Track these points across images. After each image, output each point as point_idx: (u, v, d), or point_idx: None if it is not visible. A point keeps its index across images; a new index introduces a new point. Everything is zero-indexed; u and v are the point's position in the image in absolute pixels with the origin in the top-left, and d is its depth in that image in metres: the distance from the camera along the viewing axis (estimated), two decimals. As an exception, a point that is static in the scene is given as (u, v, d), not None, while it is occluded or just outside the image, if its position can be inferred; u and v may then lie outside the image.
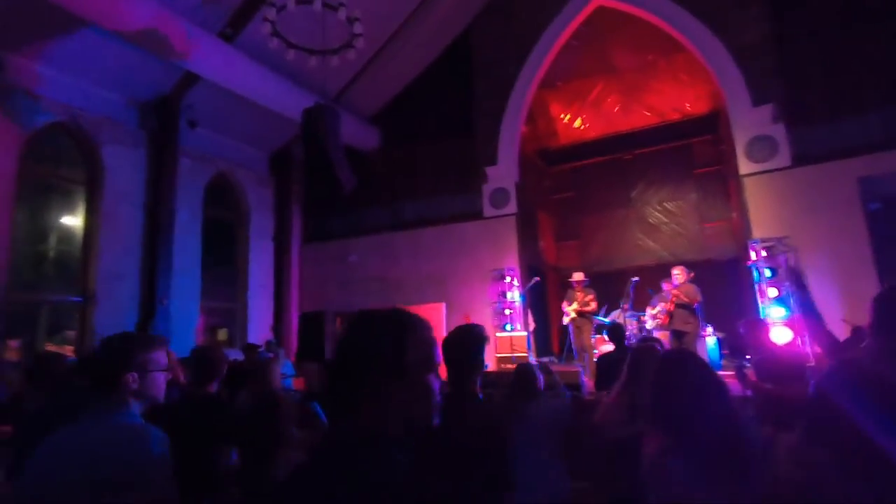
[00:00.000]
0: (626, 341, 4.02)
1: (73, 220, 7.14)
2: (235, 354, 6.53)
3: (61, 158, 7.00)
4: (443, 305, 7.73)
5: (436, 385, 0.88)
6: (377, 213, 9.61)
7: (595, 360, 4.04)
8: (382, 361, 0.83)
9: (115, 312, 6.89)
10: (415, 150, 9.58)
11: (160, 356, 1.44)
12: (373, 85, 9.45)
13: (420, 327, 0.91)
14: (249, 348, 6.22)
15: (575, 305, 7.20)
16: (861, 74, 6.44)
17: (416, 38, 9.00)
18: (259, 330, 9.01)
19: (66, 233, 7.12)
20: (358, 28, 6.12)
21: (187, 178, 8.13)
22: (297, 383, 7.78)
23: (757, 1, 7.10)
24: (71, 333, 6.88)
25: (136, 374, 1.37)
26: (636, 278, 7.05)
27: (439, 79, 9.49)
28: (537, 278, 7.92)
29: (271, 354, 6.31)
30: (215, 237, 8.75)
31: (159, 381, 1.40)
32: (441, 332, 7.91)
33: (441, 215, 9.04)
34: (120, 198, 7.26)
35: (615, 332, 3.82)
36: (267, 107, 8.18)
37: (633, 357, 2.15)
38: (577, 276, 7.33)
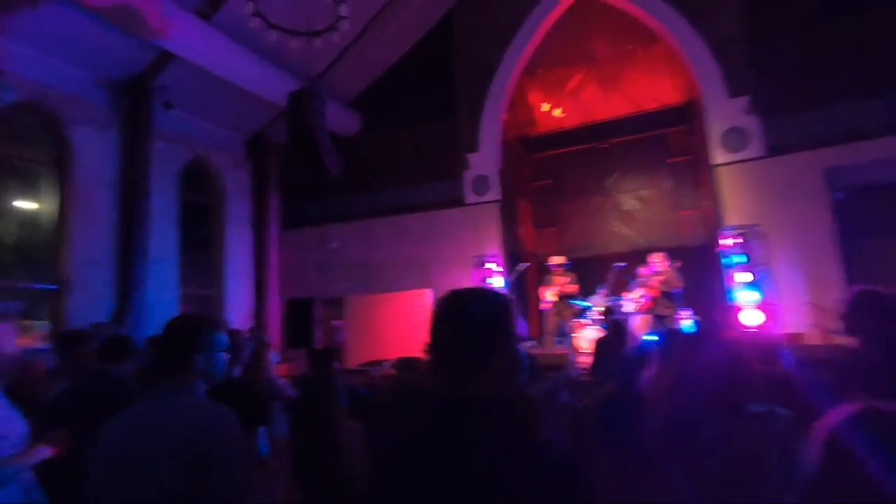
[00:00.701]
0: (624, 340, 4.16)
1: (41, 204, 6.84)
2: None
3: (28, 139, 6.67)
4: (428, 292, 7.78)
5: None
6: (358, 198, 9.54)
7: (594, 342, 4.18)
8: (499, 338, 0.91)
9: (89, 300, 6.68)
10: (396, 135, 9.53)
11: (222, 336, 1.48)
12: (354, 68, 9.31)
13: (513, 306, 0.97)
14: (232, 334, 6.13)
15: (556, 289, 7.38)
16: (829, 69, 6.74)
17: (397, 20, 8.90)
18: (237, 317, 8.87)
19: (33, 217, 6.82)
20: (344, 10, 6.02)
21: (162, 162, 7.87)
22: (281, 370, 7.75)
23: (733, -6, 7.31)
24: (38, 322, 6.63)
25: (203, 355, 1.41)
26: (622, 264, 7.27)
27: (421, 63, 9.42)
28: (526, 264, 8.07)
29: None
30: (192, 222, 8.53)
31: (222, 361, 1.44)
32: (427, 317, 8.02)
33: (423, 201, 9.05)
34: (92, 181, 6.99)
35: (617, 329, 3.94)
36: (245, 88, 7.98)
37: (667, 341, 2.28)
38: (557, 260, 7.49)
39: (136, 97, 7.45)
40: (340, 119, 9.35)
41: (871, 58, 6.24)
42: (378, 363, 6.66)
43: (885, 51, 5.24)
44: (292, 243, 9.88)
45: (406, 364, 5.83)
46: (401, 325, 7.71)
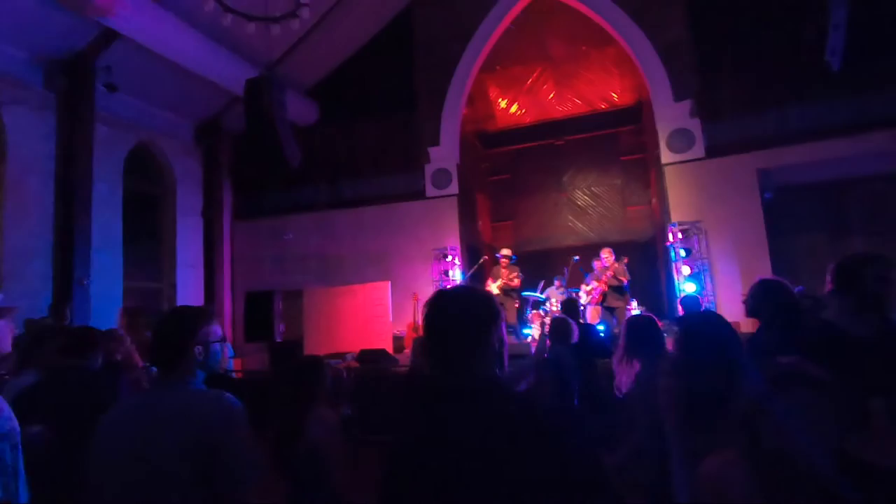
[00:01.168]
0: (579, 316, 4.40)
1: (-32, 191, 6.31)
2: None
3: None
4: (388, 284, 7.81)
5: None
6: (316, 190, 9.39)
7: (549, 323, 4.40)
8: (486, 330, 1.04)
9: (25, 294, 6.24)
10: (356, 126, 9.43)
11: (217, 328, 1.50)
12: (311, 57, 9.11)
13: (497, 301, 1.09)
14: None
15: (500, 282, 7.59)
16: (762, 76, 7.29)
17: (357, 10, 8.78)
18: (189, 311, 8.55)
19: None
20: (306, -3, 5.91)
21: (105, 147, 7.43)
22: (237, 363, 7.57)
23: (680, 2, 7.73)
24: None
25: (201, 346, 1.44)
26: (577, 257, 7.58)
27: (380, 55, 9.35)
28: (485, 257, 8.23)
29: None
30: (138, 212, 8.13)
31: (217, 351, 1.47)
32: (387, 310, 7.97)
33: (383, 194, 9.04)
34: (26, 167, 6.51)
35: (570, 306, 4.17)
36: (196, 72, 7.66)
37: (630, 328, 2.49)
38: (505, 252, 7.70)
39: (76, 77, 6.98)
40: (297, 108, 9.13)
41: (800, 68, 6.81)
42: (339, 355, 6.65)
43: (812, 62, 5.73)
44: (246, 234, 9.60)
45: (370, 356, 5.88)
46: (361, 317, 7.71)
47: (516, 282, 7.50)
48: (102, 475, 1.32)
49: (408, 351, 7.23)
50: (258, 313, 6.66)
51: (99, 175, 7.21)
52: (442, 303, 1.07)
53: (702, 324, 1.82)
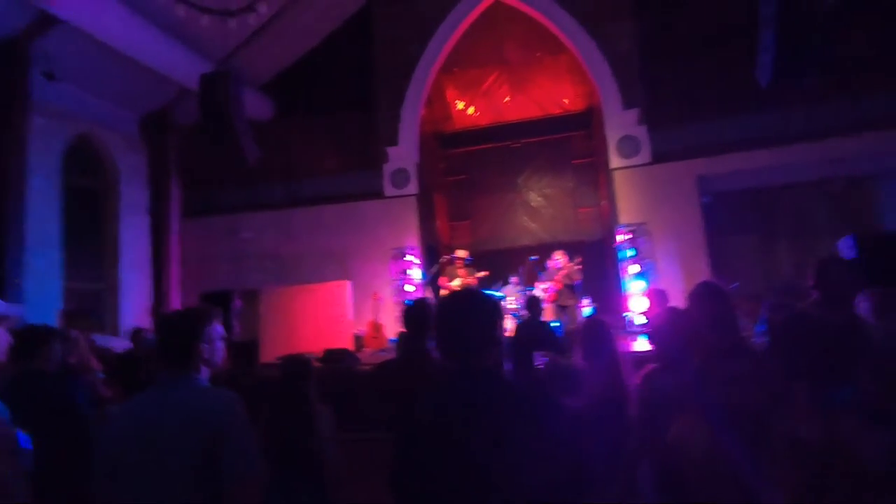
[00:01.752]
0: (541, 314, 4.62)
1: None
2: (107, 342, 5.94)
3: None
4: (347, 283, 7.79)
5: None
6: (272, 187, 9.20)
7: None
8: (494, 326, 1.22)
9: (-50, 296, 5.79)
10: (313, 123, 9.32)
11: (220, 327, 1.55)
12: (267, 52, 8.90)
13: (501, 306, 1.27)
14: (137, 333, 5.70)
15: (458, 282, 7.76)
16: (702, 90, 7.84)
17: (315, 6, 8.67)
18: (133, 313, 8.17)
19: None
20: (264, -8, 5.82)
21: (41, 139, 6.97)
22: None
23: (629, 15, 8.17)
24: None
25: (206, 345, 1.51)
26: (535, 257, 7.86)
27: (339, 52, 9.27)
28: (446, 256, 8.37)
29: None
30: (78, 209, 7.67)
31: (221, 349, 1.53)
32: (347, 309, 7.95)
33: (342, 193, 8.99)
34: (-49, 158, 6.02)
35: (533, 303, 4.37)
36: (143, 63, 7.31)
37: (587, 329, 2.68)
38: (461, 253, 7.89)
39: (9, 64, 6.52)
40: (251, 103, 8.84)
41: (735, 84, 7.37)
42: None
43: (745, 79, 6.22)
44: (197, 233, 9.26)
45: (334, 356, 5.87)
46: (319, 317, 7.65)
47: (474, 282, 7.69)
48: (113, 465, 1.38)
49: (368, 350, 7.26)
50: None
51: (34, 168, 6.76)
52: (456, 303, 1.23)
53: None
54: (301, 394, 2.24)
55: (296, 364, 2.45)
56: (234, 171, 8.53)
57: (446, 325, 1.22)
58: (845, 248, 5.02)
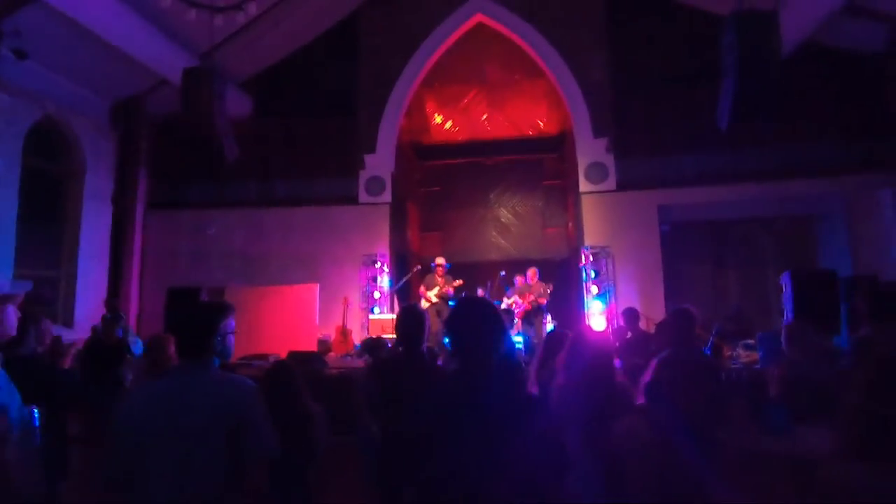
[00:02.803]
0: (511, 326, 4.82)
1: None
2: (60, 332, 5.75)
3: None
4: (316, 286, 7.79)
5: None
6: (245, 186, 9.11)
7: None
8: (503, 328, 1.41)
9: None
10: (291, 125, 9.31)
11: (232, 321, 1.65)
12: (249, 49, 8.85)
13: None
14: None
15: (436, 290, 7.92)
16: (666, 126, 8.36)
17: (303, 9, 8.73)
18: (90, 305, 7.89)
19: None
20: (255, -7, 5.87)
21: (3, 118, 6.72)
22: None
23: (605, 49, 8.63)
24: None
25: (219, 338, 1.60)
26: (503, 272, 8.11)
27: (323, 56, 9.35)
28: (418, 266, 8.48)
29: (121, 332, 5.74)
30: (38, 193, 7.38)
31: (232, 341, 1.63)
32: (314, 312, 7.94)
33: (316, 196, 9.00)
34: None
35: (505, 316, 4.58)
36: (119, 48, 7.16)
37: (549, 340, 2.87)
38: (440, 261, 8.05)
39: (-23, 38, 6.27)
40: (229, 99, 8.80)
41: (696, 124, 7.88)
42: (262, 356, 6.54)
43: (705, 120, 6.69)
44: (163, 225, 9.05)
45: (299, 357, 5.88)
46: (286, 318, 7.60)
47: (451, 291, 7.84)
48: (136, 447, 1.47)
49: (333, 354, 7.27)
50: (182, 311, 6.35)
51: (-6, 147, 6.51)
52: (469, 308, 1.46)
53: None
54: (293, 393, 2.33)
55: (284, 367, 2.52)
56: (205, 165, 8.43)
57: (463, 326, 1.39)
58: (784, 282, 5.49)
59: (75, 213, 7.90)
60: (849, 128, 7.75)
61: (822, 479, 1.04)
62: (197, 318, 1.64)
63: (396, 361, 2.48)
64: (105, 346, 4.52)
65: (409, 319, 2.39)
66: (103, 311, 7.86)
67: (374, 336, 7.15)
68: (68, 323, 7.56)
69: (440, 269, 8.00)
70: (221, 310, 1.68)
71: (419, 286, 8.29)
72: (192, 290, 6.07)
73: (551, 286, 7.54)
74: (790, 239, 8.87)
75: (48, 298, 7.45)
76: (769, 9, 6.14)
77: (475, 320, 1.37)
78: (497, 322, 1.39)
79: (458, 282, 7.91)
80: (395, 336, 2.60)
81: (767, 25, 4.81)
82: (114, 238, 8.53)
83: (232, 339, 1.69)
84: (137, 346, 6.06)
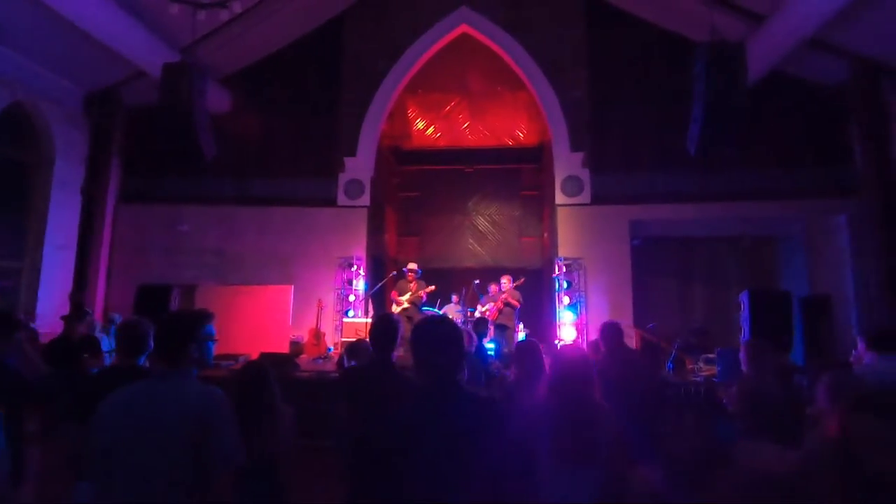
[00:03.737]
0: (486, 335, 4.91)
1: None
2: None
3: None
4: (291, 288, 7.75)
5: None
6: (221, 182, 8.99)
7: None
8: (462, 347, 1.45)
9: None
10: (270, 123, 9.24)
11: (212, 328, 1.67)
12: (231, 45, 8.76)
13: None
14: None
15: (408, 296, 7.98)
16: (640, 145, 8.62)
17: (288, 9, 8.70)
18: (54, 297, 7.66)
19: None
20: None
21: (-30, 102, 6.51)
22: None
23: (585, 67, 8.86)
24: None
25: (196, 345, 1.61)
26: (478, 281, 8.22)
27: (306, 57, 9.32)
28: (393, 273, 8.51)
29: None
30: (3, 181, 7.15)
31: (211, 349, 1.65)
32: (287, 313, 7.89)
33: (294, 197, 8.95)
34: None
35: (479, 325, 4.66)
36: (96, 37, 7.02)
37: (519, 349, 2.97)
38: (412, 266, 8.11)
39: (-54, 19, 6.07)
40: (209, 94, 8.72)
41: (667, 144, 8.17)
42: (232, 357, 6.47)
43: (676, 142, 6.96)
44: (133, 220, 8.86)
45: (273, 360, 5.85)
46: (258, 319, 7.54)
47: (423, 296, 7.92)
48: (108, 449, 1.50)
49: (305, 356, 7.25)
50: (151, 310, 6.22)
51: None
52: (430, 327, 1.50)
53: None
54: (269, 393, 2.35)
55: (257, 367, 2.55)
56: (179, 160, 8.27)
57: (426, 346, 1.44)
58: (742, 300, 5.75)
59: (42, 202, 7.68)
60: (810, 155, 8.16)
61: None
62: (174, 326, 1.66)
63: (366, 370, 2.53)
64: (70, 342, 4.42)
65: (381, 329, 2.45)
66: (68, 304, 7.68)
67: (355, 339, 7.17)
68: (30, 314, 7.32)
69: (411, 274, 8.07)
70: (199, 318, 1.71)
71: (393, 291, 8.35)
72: (162, 287, 5.97)
73: (522, 280, 7.73)
74: (753, 258, 9.26)
75: (8, 289, 7.21)
76: (738, 39, 6.46)
77: (439, 340, 1.43)
78: (459, 343, 1.45)
79: (431, 287, 7.99)
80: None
81: (735, 56, 5.07)
82: (82, 230, 8.30)
83: (212, 346, 1.71)
84: (104, 342, 5.92)
